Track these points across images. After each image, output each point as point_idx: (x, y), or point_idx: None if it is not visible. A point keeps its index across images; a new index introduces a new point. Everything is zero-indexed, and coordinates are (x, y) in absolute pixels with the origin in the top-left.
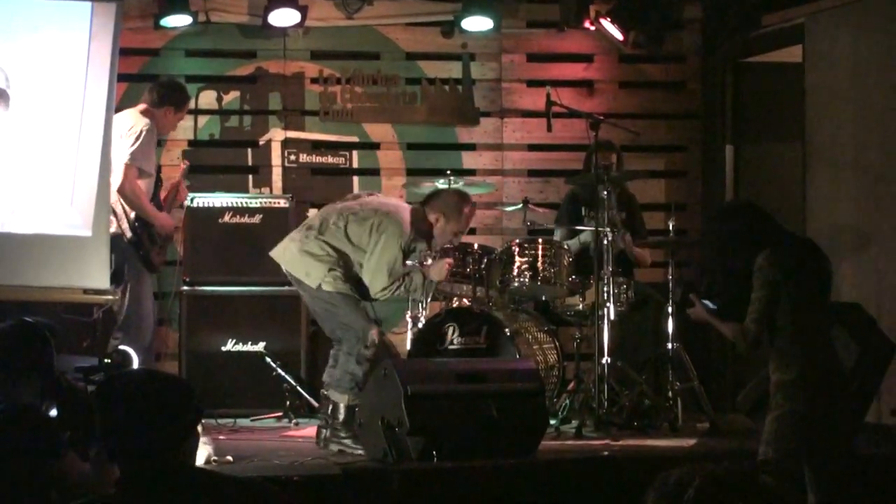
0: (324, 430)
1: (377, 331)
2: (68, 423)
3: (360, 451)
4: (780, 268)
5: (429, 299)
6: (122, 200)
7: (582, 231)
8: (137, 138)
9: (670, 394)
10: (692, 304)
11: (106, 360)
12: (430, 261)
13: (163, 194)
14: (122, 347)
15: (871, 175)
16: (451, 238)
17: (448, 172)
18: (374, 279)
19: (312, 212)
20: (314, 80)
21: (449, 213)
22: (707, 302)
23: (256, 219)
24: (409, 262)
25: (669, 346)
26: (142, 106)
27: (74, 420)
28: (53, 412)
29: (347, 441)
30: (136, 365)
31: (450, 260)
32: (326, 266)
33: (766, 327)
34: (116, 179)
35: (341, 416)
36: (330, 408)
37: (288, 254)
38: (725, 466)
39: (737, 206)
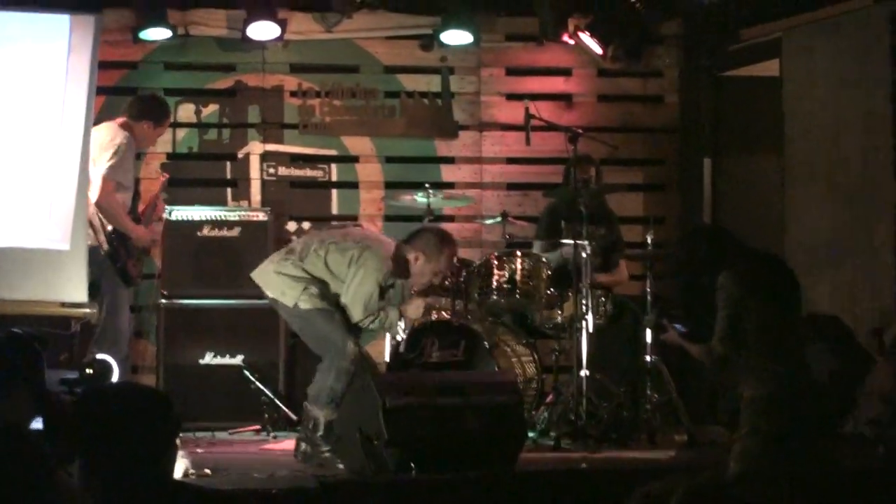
0: (303, 444)
1: (355, 342)
2: (53, 437)
3: (339, 465)
4: (741, 286)
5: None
6: (99, 213)
7: (563, 245)
8: (115, 152)
9: (648, 406)
10: (665, 328)
11: (87, 371)
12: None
13: (141, 207)
14: (100, 357)
15: (849, 188)
16: (430, 278)
17: (427, 186)
18: (349, 311)
19: (291, 224)
20: (293, 94)
21: (429, 252)
22: (678, 326)
23: (235, 232)
24: (401, 282)
25: (648, 358)
26: (121, 119)
27: (59, 434)
28: (38, 424)
29: (327, 455)
30: (116, 373)
31: (428, 299)
32: (302, 285)
33: (734, 345)
34: (94, 192)
35: (321, 431)
36: (311, 423)
37: (265, 275)
38: (702, 480)
39: (697, 230)
